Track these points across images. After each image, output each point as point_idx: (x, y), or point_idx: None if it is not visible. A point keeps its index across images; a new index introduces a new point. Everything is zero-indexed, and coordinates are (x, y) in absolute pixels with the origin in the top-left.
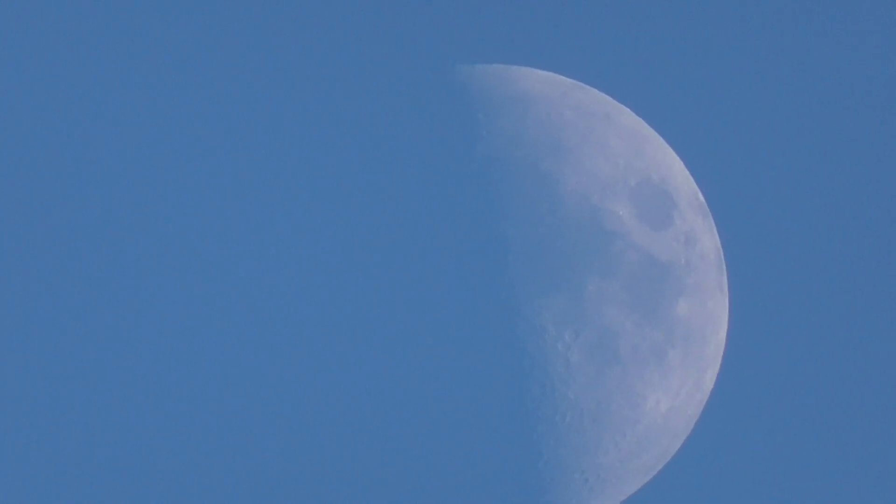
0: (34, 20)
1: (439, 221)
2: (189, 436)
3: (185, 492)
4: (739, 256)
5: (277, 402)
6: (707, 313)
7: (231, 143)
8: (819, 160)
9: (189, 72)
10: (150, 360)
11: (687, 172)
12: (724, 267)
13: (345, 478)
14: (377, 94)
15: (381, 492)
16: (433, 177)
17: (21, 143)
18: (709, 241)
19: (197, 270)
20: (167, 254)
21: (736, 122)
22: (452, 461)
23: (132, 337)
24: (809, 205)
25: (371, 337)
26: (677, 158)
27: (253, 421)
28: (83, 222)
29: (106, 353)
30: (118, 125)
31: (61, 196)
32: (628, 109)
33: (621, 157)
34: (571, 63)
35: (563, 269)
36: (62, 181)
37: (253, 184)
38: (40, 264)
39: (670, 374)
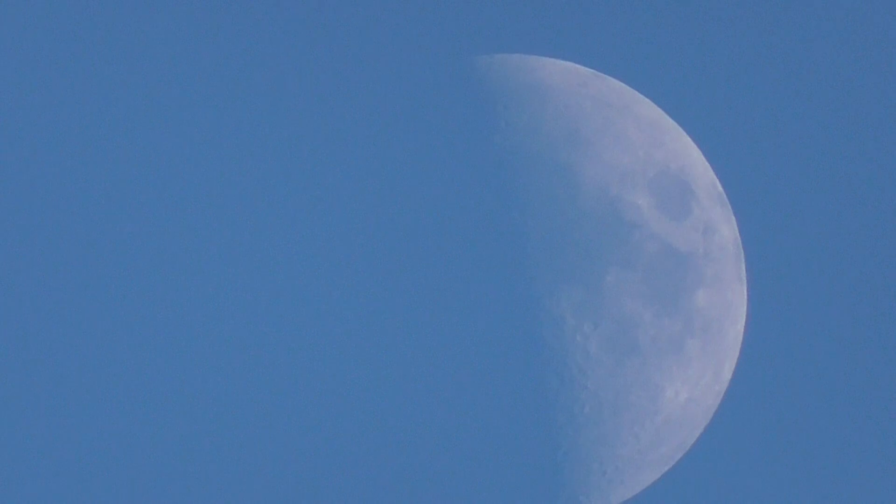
0: (34, 20)
1: (458, 213)
2: (189, 435)
3: (184, 491)
4: (758, 247)
5: (300, 389)
6: (726, 304)
7: (251, 137)
8: (838, 151)
9: (197, 61)
10: (149, 360)
11: (706, 163)
12: (743, 257)
13: (363, 466)
14: (396, 85)
15: (399, 481)
16: (452, 168)
17: (22, 143)
18: (727, 231)
19: (207, 267)
20: (178, 252)
21: (754, 113)
22: (471, 452)
23: (130, 337)
24: (828, 195)
25: (390, 328)
26: (696, 149)
27: (260, 419)
28: (82, 222)
29: (105, 352)
30: (118, 125)
31: (61, 196)
32: (647, 99)
33: (640, 148)
34: (590, 53)
35: (581, 259)
36: (62, 181)
37: (270, 177)
38: (41, 264)
39: (689, 364)
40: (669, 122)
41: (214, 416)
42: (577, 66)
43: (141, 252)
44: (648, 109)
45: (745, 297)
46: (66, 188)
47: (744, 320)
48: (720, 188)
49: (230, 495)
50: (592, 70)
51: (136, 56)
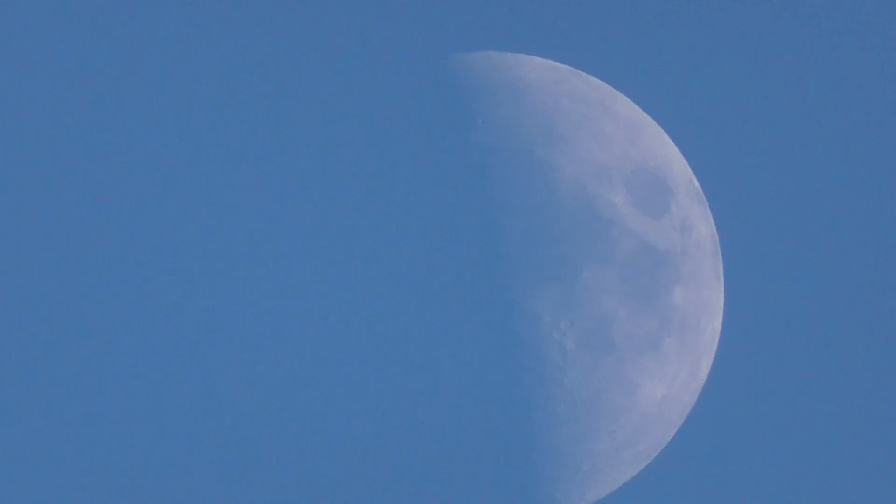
0: (34, 20)
1: (435, 210)
2: (178, 434)
3: (180, 491)
4: (735, 244)
5: (274, 388)
6: (703, 301)
7: (228, 139)
8: (815, 149)
9: (180, 65)
10: (147, 360)
11: (683, 160)
12: (720, 255)
13: (336, 465)
14: (372, 83)
15: (375, 481)
16: (429, 165)
17: (24, 144)
18: (705, 228)
19: (180, 264)
20: (154, 255)
21: (732, 110)
22: (448, 449)
23: (127, 337)
24: (805, 193)
25: (366, 326)
26: (673, 146)
27: (243, 411)
28: (81, 223)
29: (105, 352)
30: (107, 126)
31: (60, 196)
32: (624, 96)
33: (617, 145)
34: (567, 50)
35: (558, 257)
36: (61, 181)
37: (247, 176)
38: (41, 264)
39: (665, 362)
40: (647, 120)
41: (199, 413)
42: (555, 63)
43: (134, 253)
44: (626, 107)
45: (722, 294)
46: (66, 188)
47: (721, 318)
48: (697, 186)
49: (217, 492)
50: (570, 67)
51: (117, 61)
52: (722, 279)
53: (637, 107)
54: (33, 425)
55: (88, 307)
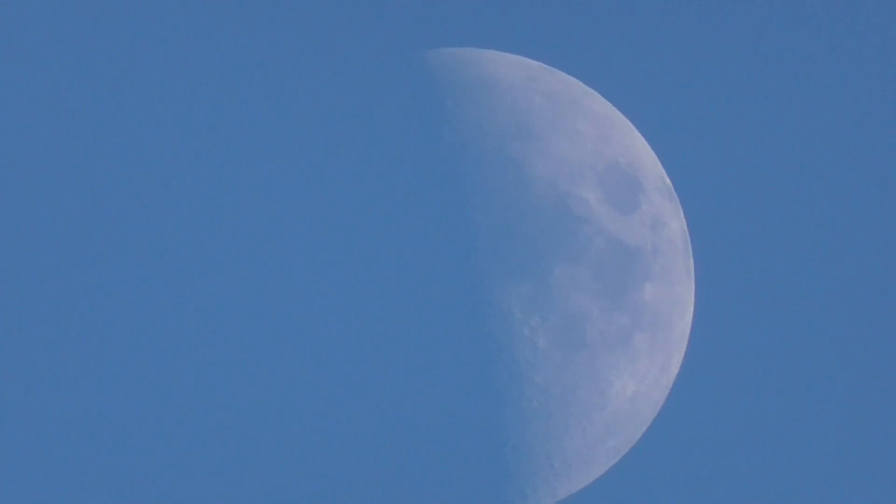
0: (34, 20)
1: (406, 206)
2: (170, 433)
3: (175, 490)
4: (706, 241)
5: (242, 387)
6: (674, 298)
7: (191, 132)
8: (785, 145)
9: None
10: (145, 360)
11: (654, 156)
12: (691, 251)
13: (307, 463)
14: (344, 79)
15: (345, 478)
16: (401, 162)
17: (22, 143)
18: (676, 225)
19: (164, 262)
20: (136, 255)
21: (703, 107)
22: (419, 446)
23: (123, 336)
24: (776, 190)
25: (334, 322)
26: (644, 143)
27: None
28: (80, 222)
29: (105, 352)
30: (95, 127)
31: (59, 195)
32: (596, 94)
33: (589, 142)
34: (540, 47)
35: (530, 253)
36: (60, 181)
37: (215, 172)
38: (41, 264)
39: (637, 358)
40: (618, 117)
41: (183, 412)
42: (527, 59)
43: (122, 254)
44: (597, 104)
45: (693, 291)
46: (65, 188)
47: (691, 314)
48: (668, 182)
49: (203, 490)
50: (541, 64)
51: (99, 64)
52: (693, 276)
53: (608, 104)
54: (32, 425)
55: (88, 307)
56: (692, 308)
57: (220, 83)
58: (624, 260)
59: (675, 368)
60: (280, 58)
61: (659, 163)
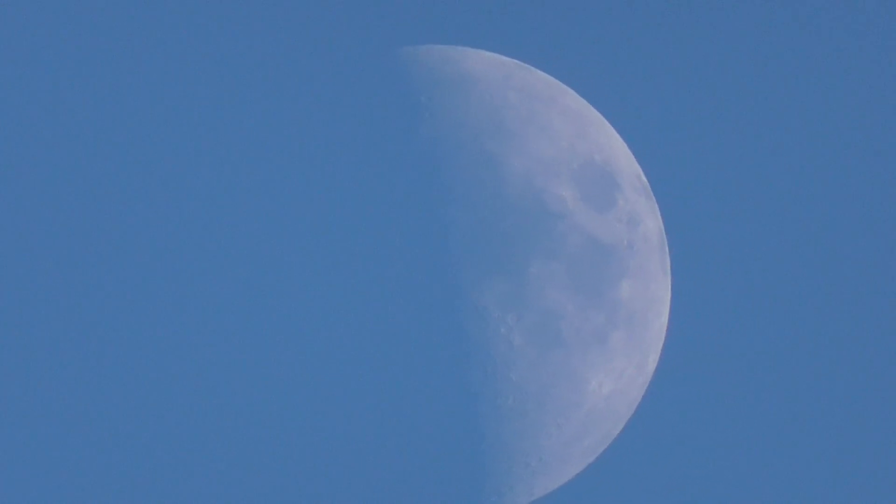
0: (34, 20)
1: (382, 204)
2: (163, 433)
3: (171, 490)
4: (682, 238)
5: (223, 383)
6: (650, 296)
7: (171, 130)
8: (761, 142)
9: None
10: (135, 360)
11: (630, 154)
12: (667, 249)
13: (284, 461)
14: (320, 76)
15: (321, 475)
16: (376, 158)
17: (22, 143)
18: (652, 222)
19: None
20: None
21: (678, 105)
22: (394, 444)
23: (120, 335)
24: (752, 187)
25: (308, 320)
26: (620, 140)
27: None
28: (79, 222)
29: (105, 352)
30: (89, 128)
31: (59, 195)
32: (572, 91)
33: (564, 139)
34: (515, 44)
35: (505, 251)
36: (60, 180)
37: (193, 169)
38: (40, 263)
39: (613, 356)
40: (594, 114)
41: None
42: (502, 57)
43: (115, 255)
44: (573, 101)
45: (670, 289)
46: (65, 187)
47: (668, 312)
48: (644, 180)
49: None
50: (517, 61)
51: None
52: (669, 273)
53: (584, 101)
54: (32, 424)
55: (88, 307)
56: (668, 306)
57: (198, 79)
58: (600, 257)
59: (651, 366)
60: (259, 54)
61: (635, 160)
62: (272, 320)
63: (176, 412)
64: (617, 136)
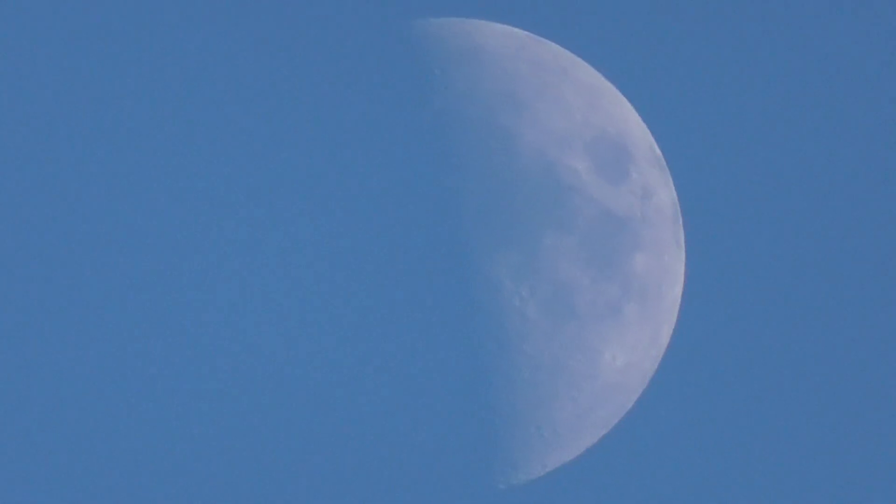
0: (34, 20)
1: (395, 177)
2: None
3: (168, 490)
4: (696, 210)
5: (227, 371)
6: (663, 268)
7: (174, 111)
8: (777, 113)
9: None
10: (131, 360)
11: (643, 126)
12: (681, 221)
13: (302, 433)
14: (332, 50)
15: (334, 447)
16: (389, 132)
17: (22, 143)
18: (665, 194)
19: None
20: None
21: (692, 76)
22: (407, 417)
23: (117, 335)
24: (767, 159)
25: (319, 296)
26: (634, 112)
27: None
28: (78, 222)
29: (104, 353)
30: (82, 129)
31: (58, 195)
32: (585, 63)
33: (578, 112)
34: (528, 16)
35: (519, 223)
36: (59, 180)
37: (194, 146)
38: (39, 263)
39: (626, 329)
40: (607, 86)
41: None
42: (515, 29)
43: (109, 255)
44: (586, 73)
45: (683, 261)
46: (64, 187)
47: (681, 284)
48: (658, 152)
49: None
50: (529, 33)
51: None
52: (683, 246)
53: (597, 73)
54: (32, 424)
55: (87, 306)
56: (682, 278)
57: (201, 56)
58: (613, 230)
59: (665, 339)
60: (266, 29)
61: (648, 132)
62: (277, 297)
63: (195, 407)
64: (630, 108)
